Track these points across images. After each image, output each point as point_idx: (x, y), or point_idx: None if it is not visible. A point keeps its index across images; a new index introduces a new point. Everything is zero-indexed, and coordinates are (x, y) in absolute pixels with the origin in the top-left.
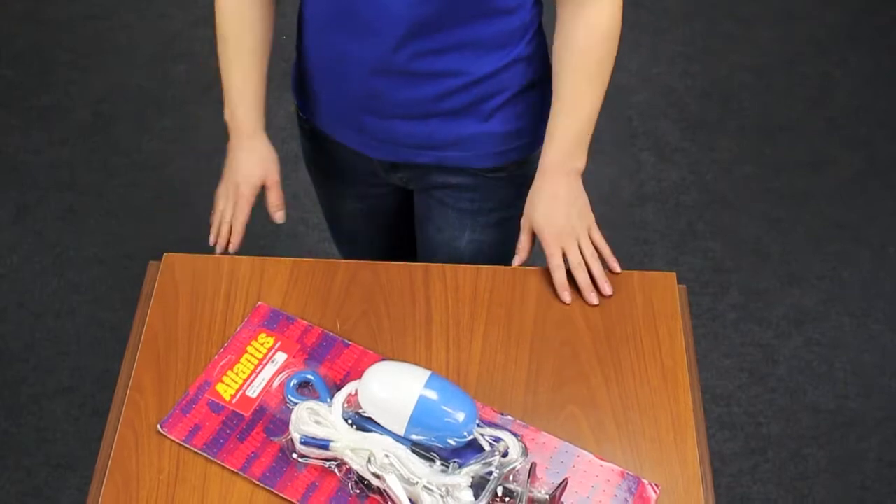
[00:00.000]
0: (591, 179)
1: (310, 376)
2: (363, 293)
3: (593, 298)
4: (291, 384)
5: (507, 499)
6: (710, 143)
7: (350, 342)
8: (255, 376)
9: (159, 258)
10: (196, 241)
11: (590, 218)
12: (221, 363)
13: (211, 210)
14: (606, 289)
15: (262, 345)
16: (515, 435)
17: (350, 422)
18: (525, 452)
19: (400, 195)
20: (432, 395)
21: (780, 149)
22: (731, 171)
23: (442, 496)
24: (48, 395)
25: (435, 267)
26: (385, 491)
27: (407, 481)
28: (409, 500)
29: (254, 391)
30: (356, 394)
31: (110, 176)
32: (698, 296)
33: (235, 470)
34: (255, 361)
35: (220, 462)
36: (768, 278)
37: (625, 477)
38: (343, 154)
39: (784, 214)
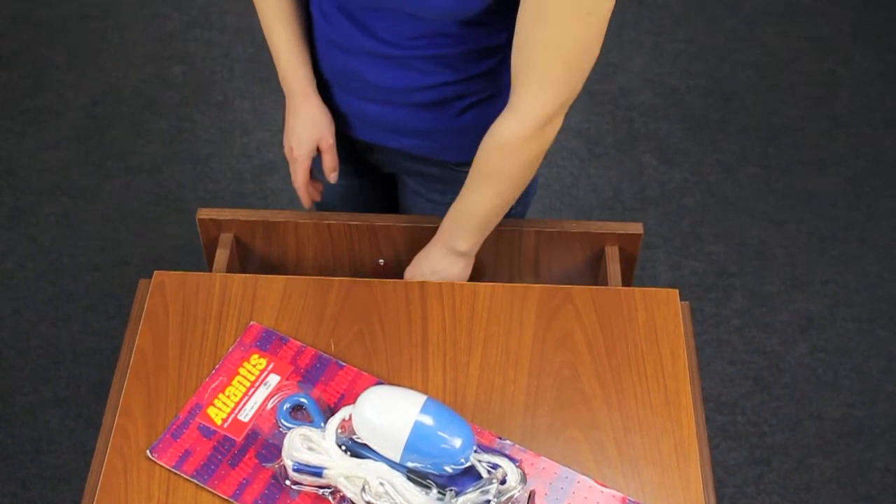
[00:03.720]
0: (593, 184)
1: (303, 399)
2: (358, 312)
3: None
4: (284, 408)
5: None
6: (712, 143)
7: (345, 363)
8: (248, 399)
9: (155, 264)
10: (192, 247)
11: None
12: (213, 385)
13: None
14: None
15: (254, 366)
16: (514, 461)
17: (344, 448)
18: (524, 479)
19: (379, 178)
20: (428, 420)
21: (783, 149)
22: (734, 173)
23: None
24: (43, 406)
25: (431, 285)
26: None
27: None
28: None
29: (246, 415)
30: (350, 419)
31: (105, 180)
32: (701, 301)
33: (227, 497)
34: (248, 384)
35: (210, 489)
36: (773, 282)
37: (626, 503)
38: None
39: (788, 216)
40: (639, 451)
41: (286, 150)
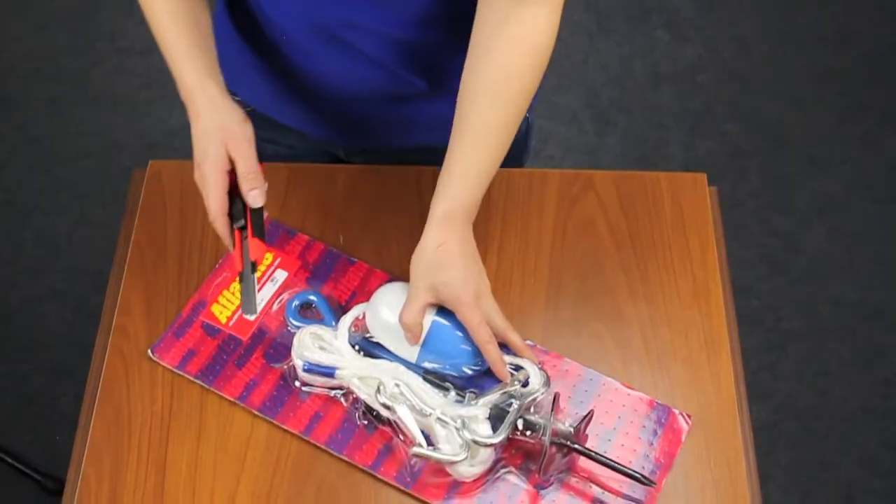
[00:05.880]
0: (602, 60)
1: (312, 297)
2: (367, 201)
3: (507, 376)
4: (293, 306)
5: (528, 432)
6: (727, 17)
7: (355, 259)
8: None
9: (150, 150)
10: (188, 131)
11: (487, 278)
12: (216, 282)
13: None
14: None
15: None
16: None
17: (357, 348)
18: (547, 382)
19: None
20: (446, 318)
21: (802, 23)
22: (750, 49)
23: (457, 428)
24: (40, 299)
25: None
26: (395, 423)
27: (419, 412)
28: (422, 432)
29: None
30: (363, 318)
31: (95, 63)
32: (716, 182)
33: (233, 399)
34: None
35: (216, 391)
36: (789, 162)
37: (654, 406)
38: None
39: (806, 94)
40: (667, 346)
41: (195, 175)
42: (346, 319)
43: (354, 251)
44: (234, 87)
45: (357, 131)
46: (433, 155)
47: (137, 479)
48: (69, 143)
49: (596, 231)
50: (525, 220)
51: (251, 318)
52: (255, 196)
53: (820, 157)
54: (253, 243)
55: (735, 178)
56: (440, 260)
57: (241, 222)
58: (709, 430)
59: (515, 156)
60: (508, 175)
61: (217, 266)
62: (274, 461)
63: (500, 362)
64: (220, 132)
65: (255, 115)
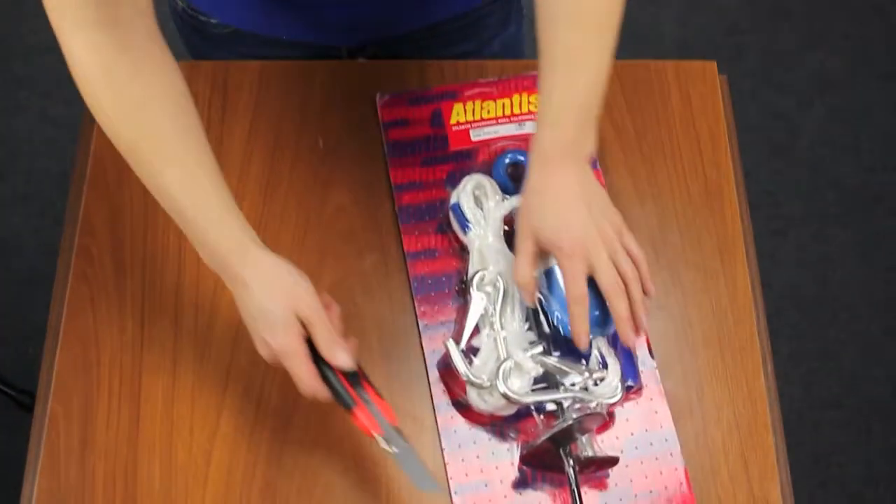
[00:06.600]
0: None
1: (522, 158)
2: (352, 99)
3: (632, 338)
4: (505, 162)
5: (543, 416)
6: None
7: None
8: None
9: None
10: (160, 20)
11: (617, 217)
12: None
13: None
14: (644, 322)
15: None
16: (630, 375)
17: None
18: (619, 397)
19: None
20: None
21: None
22: None
23: (499, 358)
24: (4, 204)
25: (431, 65)
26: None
27: (489, 321)
28: (469, 336)
29: None
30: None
31: None
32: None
33: None
34: None
35: None
36: (788, 38)
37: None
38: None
39: None
40: (678, 252)
41: (261, 351)
42: (512, 201)
43: (335, 158)
44: (212, 11)
45: (359, 23)
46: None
47: (110, 417)
48: (27, 37)
49: (598, 128)
50: None
51: (434, 490)
52: (345, 361)
53: (820, 31)
54: (381, 406)
55: (731, 55)
56: (537, 202)
57: (352, 398)
58: (724, 345)
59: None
60: (502, 66)
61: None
62: (258, 392)
63: (584, 327)
64: (284, 299)
65: (240, 35)
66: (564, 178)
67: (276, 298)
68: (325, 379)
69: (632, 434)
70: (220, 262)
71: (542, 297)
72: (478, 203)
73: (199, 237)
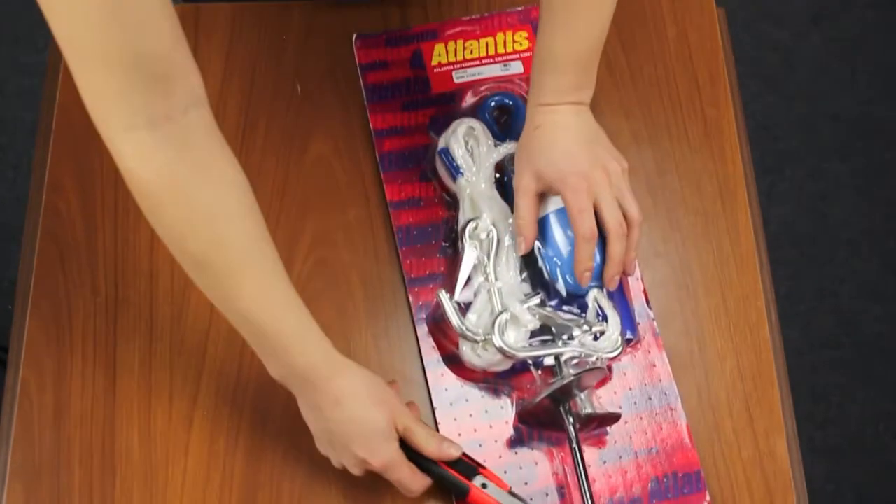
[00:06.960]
0: None
1: (510, 101)
2: (330, 42)
3: (615, 283)
4: (491, 104)
5: (540, 372)
6: None
7: None
8: None
9: None
10: None
11: (622, 159)
12: None
13: None
14: (630, 268)
15: None
16: (628, 325)
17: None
18: (619, 352)
19: None
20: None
21: None
22: None
23: (493, 311)
24: None
25: (413, 7)
26: (457, 257)
27: (483, 272)
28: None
29: None
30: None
31: None
32: None
33: None
34: None
35: None
36: None
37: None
38: None
39: None
40: (677, 195)
41: (350, 465)
42: (508, 146)
43: (313, 105)
44: None
45: None
46: None
47: (85, 384)
48: None
49: None
50: None
51: None
52: (457, 451)
53: None
54: (488, 476)
55: None
56: (539, 142)
57: (464, 483)
58: (727, 293)
59: None
60: (489, 1)
61: None
62: (238, 354)
63: (588, 264)
64: (386, 412)
65: None
66: (566, 119)
67: (377, 411)
68: (426, 471)
69: (630, 389)
70: (301, 376)
71: (537, 247)
72: (467, 144)
73: (277, 352)
